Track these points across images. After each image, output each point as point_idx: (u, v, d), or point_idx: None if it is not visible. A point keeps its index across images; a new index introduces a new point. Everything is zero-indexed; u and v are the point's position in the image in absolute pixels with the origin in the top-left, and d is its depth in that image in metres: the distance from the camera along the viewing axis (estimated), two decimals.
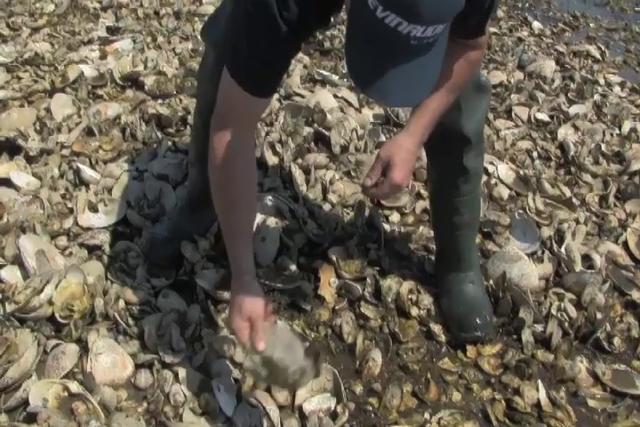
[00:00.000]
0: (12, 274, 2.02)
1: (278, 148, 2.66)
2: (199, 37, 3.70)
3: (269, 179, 2.53)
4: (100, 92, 3.06)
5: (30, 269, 2.00)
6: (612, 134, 3.27)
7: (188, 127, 2.78)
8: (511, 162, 2.93)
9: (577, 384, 1.99)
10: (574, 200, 2.71)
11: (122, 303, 1.99)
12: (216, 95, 1.82)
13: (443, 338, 2.07)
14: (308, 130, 2.84)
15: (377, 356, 1.96)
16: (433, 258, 2.28)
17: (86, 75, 3.10)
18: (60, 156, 2.58)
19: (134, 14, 4.01)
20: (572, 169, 2.94)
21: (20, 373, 1.74)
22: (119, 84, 3.13)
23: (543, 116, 3.32)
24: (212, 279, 2.08)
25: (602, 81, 3.85)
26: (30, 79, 3.09)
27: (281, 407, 1.79)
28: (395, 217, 2.49)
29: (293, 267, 2.15)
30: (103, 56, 3.34)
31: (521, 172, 2.82)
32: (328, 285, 2.14)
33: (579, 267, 2.34)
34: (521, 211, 2.58)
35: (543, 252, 2.38)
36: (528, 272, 2.22)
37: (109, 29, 3.75)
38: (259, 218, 2.27)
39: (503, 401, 1.90)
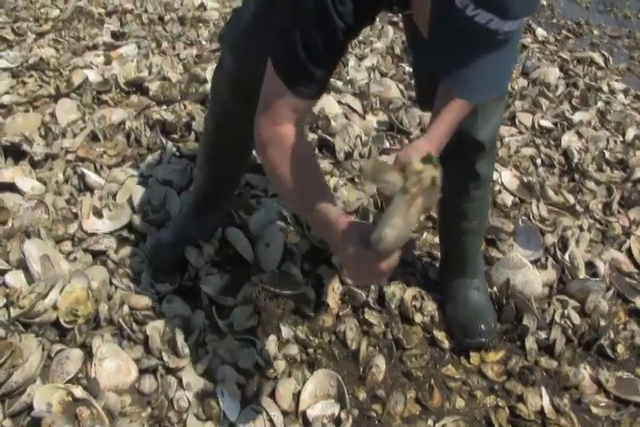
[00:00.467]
0: (16, 279, 2.02)
1: None
2: (204, 43, 3.73)
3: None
4: (104, 97, 3.07)
5: (35, 273, 2.01)
6: (615, 141, 3.27)
7: (192, 133, 2.79)
8: (515, 169, 2.94)
9: (580, 391, 1.99)
10: (578, 207, 2.71)
11: (126, 309, 1.99)
12: (231, 98, 1.82)
13: (446, 345, 2.07)
14: (312, 136, 2.84)
15: (380, 362, 1.96)
16: (437, 265, 2.29)
17: (91, 80, 3.11)
18: (64, 161, 2.59)
19: (139, 20, 4.02)
20: (576, 176, 2.94)
21: (25, 377, 1.75)
22: (124, 89, 3.14)
23: (547, 123, 3.32)
24: (217, 285, 2.09)
25: (605, 88, 3.85)
26: (35, 84, 3.11)
27: (285, 413, 1.80)
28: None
29: (297, 273, 2.15)
30: (108, 61, 3.35)
31: (525, 178, 2.82)
32: (332, 291, 2.14)
33: (582, 274, 2.34)
34: (525, 218, 2.59)
35: (547, 259, 2.38)
36: (532, 279, 2.22)
37: (114, 35, 3.76)
38: (263, 223, 2.27)
39: (507, 408, 1.90)
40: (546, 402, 1.91)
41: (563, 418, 1.88)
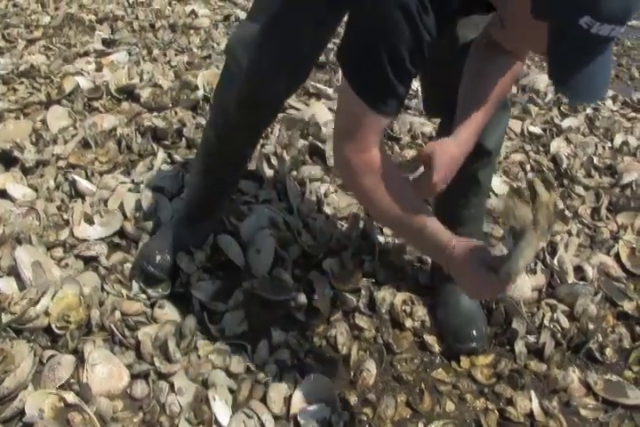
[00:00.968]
0: (8, 285, 2.02)
1: (273, 160, 2.68)
2: (194, 50, 3.75)
3: (264, 191, 2.54)
4: (95, 104, 3.07)
5: (26, 280, 2.01)
6: (604, 147, 3.29)
7: (183, 139, 2.80)
8: (504, 174, 2.96)
9: (569, 394, 2.00)
10: (567, 212, 2.74)
11: (118, 314, 1.99)
12: (237, 110, 1.81)
13: (436, 349, 2.08)
14: (303, 142, 2.85)
15: (371, 366, 1.97)
16: (427, 270, 2.30)
17: (82, 87, 3.11)
18: (55, 167, 2.59)
19: (130, 27, 4.03)
20: (565, 182, 2.96)
21: (16, 383, 1.75)
22: (115, 96, 3.14)
23: (536, 130, 3.34)
24: (208, 291, 2.10)
25: None
26: (26, 91, 3.11)
27: (276, 417, 1.81)
28: (389, 229, 2.50)
29: (288, 278, 2.16)
30: (99, 68, 3.35)
31: (514, 184, 2.84)
32: (323, 296, 2.15)
33: (571, 278, 2.36)
34: None
35: (536, 263, 2.39)
36: (521, 284, 2.23)
37: (105, 42, 3.76)
38: (254, 230, 2.28)
39: (496, 411, 1.92)
40: (535, 405, 1.92)
41: (552, 421, 1.89)
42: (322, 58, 3.82)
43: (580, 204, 2.83)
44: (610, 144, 3.34)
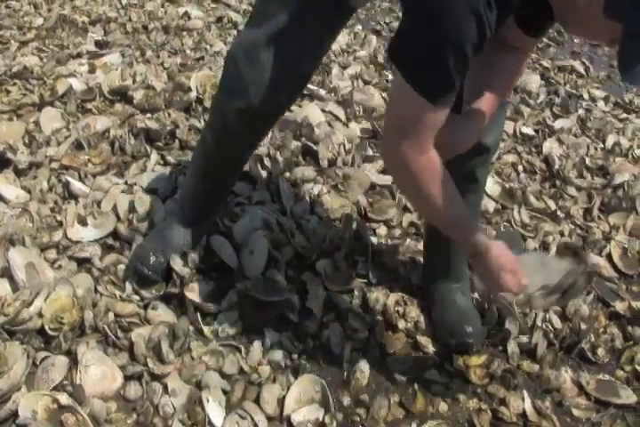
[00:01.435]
0: (1, 287, 2.01)
1: (266, 161, 2.68)
2: (188, 52, 3.74)
3: (258, 192, 2.54)
4: (88, 105, 3.06)
5: (20, 281, 2.01)
6: (596, 148, 3.31)
7: (176, 141, 2.80)
8: (497, 175, 2.97)
9: (562, 394, 2.01)
10: (559, 213, 2.75)
11: (111, 316, 1.99)
12: (238, 121, 1.81)
13: (430, 349, 2.09)
14: (295, 144, 2.86)
15: (364, 367, 1.97)
16: (420, 270, 2.30)
17: (75, 88, 3.10)
18: (49, 169, 2.58)
19: (123, 28, 4.02)
20: (557, 182, 2.98)
21: (10, 385, 1.75)
22: (108, 97, 3.13)
23: (528, 131, 3.35)
24: (202, 292, 2.09)
25: (586, 96, 3.89)
26: (19, 93, 3.10)
27: (269, 418, 1.81)
28: (382, 230, 2.51)
29: (282, 279, 2.16)
30: (92, 70, 3.34)
31: (507, 185, 2.85)
32: (316, 297, 2.15)
33: None
34: (506, 224, 2.61)
35: None
36: None
37: (98, 43, 3.75)
38: (247, 231, 2.28)
39: (489, 411, 1.92)
40: (528, 405, 1.93)
41: (544, 420, 1.90)
42: None
43: (572, 204, 2.84)
44: (602, 145, 3.36)
